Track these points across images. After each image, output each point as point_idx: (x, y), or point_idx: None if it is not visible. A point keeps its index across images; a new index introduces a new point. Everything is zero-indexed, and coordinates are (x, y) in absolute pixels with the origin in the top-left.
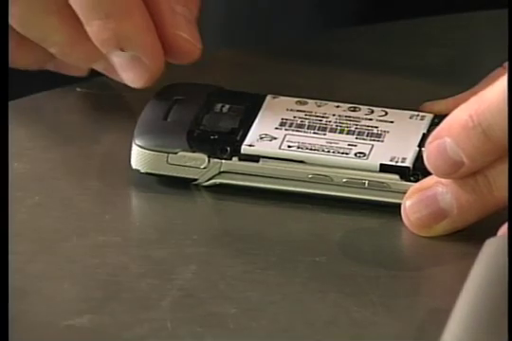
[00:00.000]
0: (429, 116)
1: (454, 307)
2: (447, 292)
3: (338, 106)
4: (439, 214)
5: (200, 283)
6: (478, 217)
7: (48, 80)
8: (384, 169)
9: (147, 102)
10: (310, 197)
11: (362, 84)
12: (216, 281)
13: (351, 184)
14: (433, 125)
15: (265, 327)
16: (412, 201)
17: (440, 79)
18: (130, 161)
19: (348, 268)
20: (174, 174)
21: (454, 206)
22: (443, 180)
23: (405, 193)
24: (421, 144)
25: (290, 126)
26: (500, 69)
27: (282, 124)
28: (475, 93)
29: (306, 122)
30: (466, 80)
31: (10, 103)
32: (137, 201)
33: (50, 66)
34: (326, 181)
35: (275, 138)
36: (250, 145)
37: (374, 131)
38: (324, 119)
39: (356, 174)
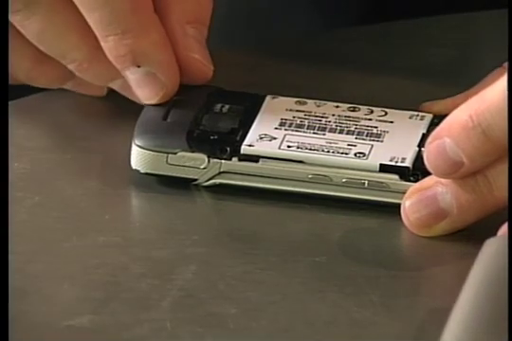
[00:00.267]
0: (428, 117)
1: (454, 307)
2: (446, 292)
3: (337, 106)
4: (439, 214)
5: (200, 283)
6: (477, 217)
7: None
8: (384, 169)
9: None
10: (310, 197)
11: (362, 84)
12: (216, 281)
13: (350, 184)
14: (433, 125)
15: (265, 327)
16: (412, 201)
17: (440, 79)
18: (130, 161)
19: (348, 268)
20: (174, 174)
21: (454, 205)
22: (443, 180)
23: (404, 193)
24: (421, 144)
25: (290, 126)
26: (499, 69)
27: (281, 124)
28: (475, 93)
29: (306, 122)
30: (465, 80)
31: (11, 103)
32: (137, 201)
33: (69, 85)
34: (326, 181)
35: (275, 138)
36: (250, 145)
37: (374, 131)
38: (324, 119)
39: (355, 174)
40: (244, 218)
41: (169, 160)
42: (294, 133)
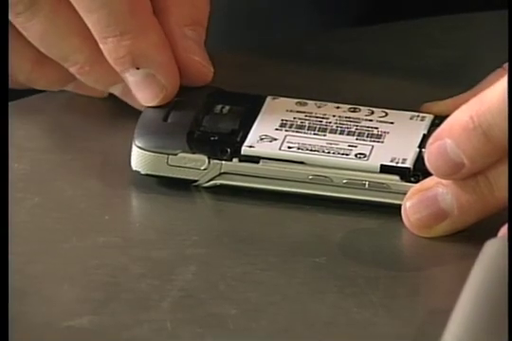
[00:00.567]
0: (429, 117)
1: (454, 308)
2: (447, 292)
3: (338, 107)
4: (439, 215)
5: (200, 284)
6: (478, 218)
7: None
8: (384, 169)
9: None
10: (310, 198)
11: (362, 85)
12: (216, 282)
13: (351, 185)
14: (434, 126)
15: (265, 327)
16: (413, 201)
17: (440, 79)
18: (130, 162)
19: (348, 269)
20: (175, 176)
21: (455, 206)
22: (443, 181)
23: (405, 194)
24: (421, 145)
25: (290, 127)
26: (500, 70)
27: (282, 125)
28: (475, 94)
29: (306, 123)
30: (465, 80)
31: (11, 104)
32: (137, 202)
33: (70, 87)
34: (326, 182)
35: (275, 139)
36: (250, 146)
37: (375, 132)
38: (324, 120)
39: (356, 175)
40: (244, 219)
41: (169, 161)
42: (294, 133)
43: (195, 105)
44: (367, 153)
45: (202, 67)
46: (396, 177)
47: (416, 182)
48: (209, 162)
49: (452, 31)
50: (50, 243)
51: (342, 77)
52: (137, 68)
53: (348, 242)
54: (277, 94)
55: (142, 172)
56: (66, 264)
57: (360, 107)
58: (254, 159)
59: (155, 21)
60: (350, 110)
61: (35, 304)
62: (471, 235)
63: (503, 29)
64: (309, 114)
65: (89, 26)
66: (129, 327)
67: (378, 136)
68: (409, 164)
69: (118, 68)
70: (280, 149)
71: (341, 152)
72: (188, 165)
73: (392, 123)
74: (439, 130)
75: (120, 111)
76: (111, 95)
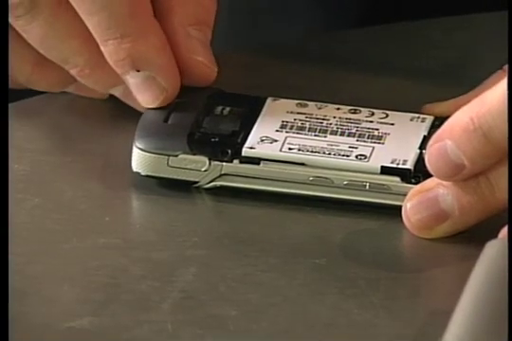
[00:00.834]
0: (429, 119)
1: (455, 309)
2: (447, 294)
3: (338, 108)
4: (440, 216)
5: (200, 285)
6: (479, 219)
7: None
8: (385, 171)
9: None
10: (310, 199)
11: (363, 86)
12: (216, 283)
13: (352, 186)
14: (434, 127)
15: (266, 329)
16: (413, 203)
17: (440, 81)
18: (131, 164)
19: (348, 270)
20: (175, 177)
21: (455, 207)
22: (444, 182)
23: (406, 195)
24: (422, 146)
25: (291, 128)
26: (500, 72)
27: (282, 126)
28: (476, 95)
29: (307, 124)
30: (466, 82)
31: (11, 105)
32: (137, 203)
33: (70, 89)
34: (327, 183)
35: (276, 141)
36: (251, 147)
37: (375, 133)
38: (325, 122)
39: (356, 177)
40: (244, 220)
41: (170, 163)
42: (295, 135)
43: (196, 107)
44: (367, 155)
45: (205, 68)
46: (397, 178)
47: (417, 183)
48: (209, 163)
49: (453, 32)
50: (50, 244)
51: (344, 77)
52: (138, 70)
53: (348, 243)
54: (278, 94)
55: (143, 174)
56: (67, 265)
57: (361, 108)
58: (255, 161)
59: (155, 23)
60: (350, 111)
61: (35, 305)
62: (472, 236)
63: (503, 30)
64: (310, 115)
65: (90, 28)
66: (129, 328)
67: (379, 138)
68: (409, 165)
69: (118, 70)
70: (280, 150)
71: (342, 153)
72: (188, 166)
73: (392, 124)
74: (439, 131)
75: (121, 112)
76: (111, 96)
